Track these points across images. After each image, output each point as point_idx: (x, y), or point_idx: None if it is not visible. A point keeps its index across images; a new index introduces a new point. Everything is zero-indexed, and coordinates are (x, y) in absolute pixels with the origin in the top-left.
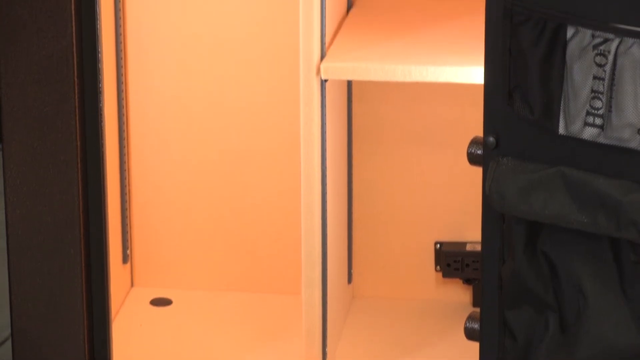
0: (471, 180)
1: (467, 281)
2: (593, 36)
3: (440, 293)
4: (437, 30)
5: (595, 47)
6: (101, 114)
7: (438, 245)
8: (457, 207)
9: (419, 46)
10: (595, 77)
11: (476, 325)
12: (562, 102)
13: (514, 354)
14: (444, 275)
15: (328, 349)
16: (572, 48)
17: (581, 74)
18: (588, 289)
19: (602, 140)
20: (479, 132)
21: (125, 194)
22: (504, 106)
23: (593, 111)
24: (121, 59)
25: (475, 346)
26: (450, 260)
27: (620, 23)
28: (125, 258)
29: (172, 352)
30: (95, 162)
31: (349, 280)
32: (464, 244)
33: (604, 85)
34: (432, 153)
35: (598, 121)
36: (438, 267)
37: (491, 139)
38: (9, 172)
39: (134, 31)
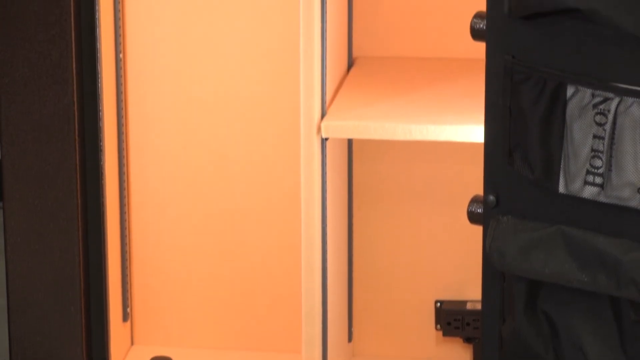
0: (471, 239)
1: (467, 340)
2: (593, 95)
3: (441, 352)
4: (437, 89)
5: (595, 106)
6: (102, 172)
7: (438, 304)
8: (458, 265)
9: (419, 105)
10: (595, 136)
11: None
12: (562, 161)
13: None
14: (445, 334)
15: None
16: (572, 107)
17: (581, 133)
18: (588, 348)
19: (602, 199)
20: (479, 191)
21: (126, 252)
22: (504, 165)
23: (593, 170)
24: (122, 117)
25: None
26: (450, 318)
27: (620, 82)
28: (126, 316)
29: None
30: (95, 220)
31: (349, 338)
32: (464, 302)
33: (604, 144)
34: (433, 211)
35: (598, 180)
36: (438, 326)
37: (491, 197)
38: (10, 229)
39: (135, 90)
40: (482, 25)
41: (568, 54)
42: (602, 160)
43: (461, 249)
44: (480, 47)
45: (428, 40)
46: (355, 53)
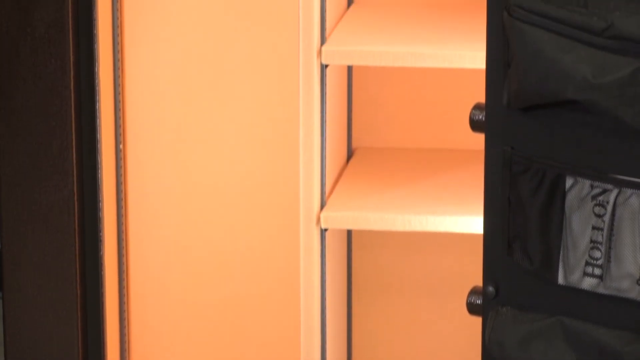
0: (471, 330)
1: None
2: (592, 186)
3: None
4: (436, 180)
5: (594, 197)
6: (102, 263)
7: None
8: (457, 357)
9: (419, 196)
10: (594, 228)
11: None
12: (561, 252)
13: None
14: None
15: None
16: (571, 198)
17: (580, 225)
18: None
19: (601, 290)
20: (479, 282)
21: (125, 342)
22: (503, 256)
23: (592, 261)
24: (122, 207)
25: None
26: None
27: (619, 173)
28: None
29: None
30: (95, 311)
31: None
32: None
33: (602, 235)
34: (432, 302)
35: (597, 271)
36: None
37: (490, 288)
38: (9, 320)
39: (135, 181)
40: (481, 116)
41: (567, 145)
42: (601, 251)
43: (461, 340)
44: (480, 138)
45: (427, 132)
46: (354, 144)
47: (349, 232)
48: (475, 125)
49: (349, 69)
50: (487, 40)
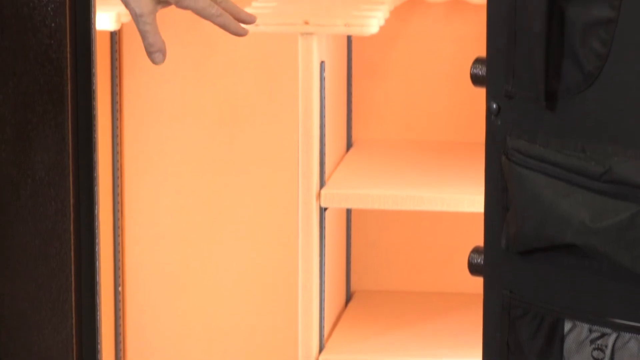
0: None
1: None
2: (590, 330)
3: None
4: (434, 323)
5: (592, 341)
6: None
7: None
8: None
9: (417, 339)
10: None
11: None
12: None
13: None
14: None
15: None
16: (569, 342)
17: None
18: None
19: None
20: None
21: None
22: None
23: None
24: (119, 342)
25: None
26: None
27: (617, 318)
28: None
29: None
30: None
31: None
32: None
33: None
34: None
35: None
36: None
37: None
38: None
39: (134, 317)
40: (479, 260)
41: (566, 289)
42: None
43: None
44: (478, 281)
45: (426, 275)
46: (353, 287)
47: None
48: (473, 268)
49: (348, 211)
50: (486, 184)
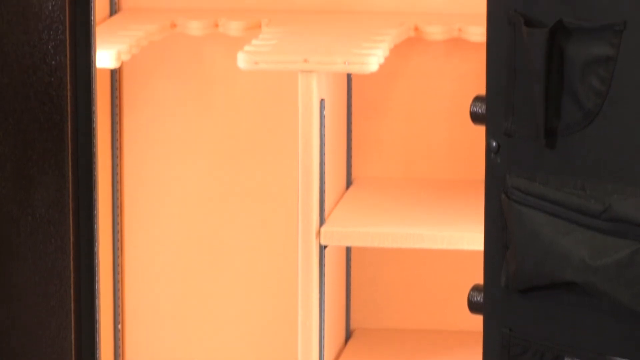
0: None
1: None
2: None
3: None
4: None
5: None
6: None
7: None
8: None
9: None
10: None
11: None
12: None
13: None
14: None
15: None
16: None
17: None
18: None
19: None
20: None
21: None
22: None
23: None
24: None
25: None
26: None
27: (617, 355)
28: None
29: None
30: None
31: None
32: None
33: None
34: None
35: None
36: None
37: None
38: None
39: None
40: (479, 298)
41: (565, 327)
42: None
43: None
44: (478, 319)
45: (426, 313)
46: (353, 325)
47: None
48: (473, 306)
49: (348, 249)
50: (485, 221)
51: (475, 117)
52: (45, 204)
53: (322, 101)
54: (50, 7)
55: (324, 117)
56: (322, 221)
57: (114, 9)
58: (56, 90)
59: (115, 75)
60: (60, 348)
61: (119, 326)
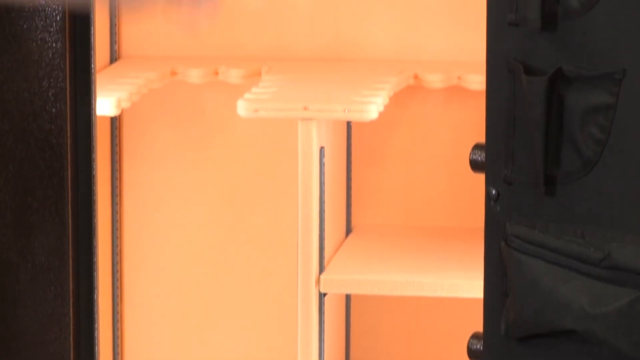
0: None
1: None
2: None
3: None
4: None
5: None
6: None
7: None
8: None
9: None
10: None
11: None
12: None
13: None
14: None
15: None
16: None
17: None
18: None
19: None
20: None
21: None
22: None
23: None
24: None
25: None
26: None
27: None
28: None
29: None
30: None
31: None
32: None
33: None
34: None
35: None
36: None
37: None
38: None
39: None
40: (479, 346)
41: None
42: None
43: None
44: None
45: (425, 354)
46: None
47: None
48: (473, 354)
49: (348, 296)
50: (485, 269)
51: (475, 165)
52: (45, 252)
53: (322, 149)
54: (50, 55)
55: (324, 164)
56: (321, 269)
57: (114, 57)
58: (56, 137)
59: (115, 123)
60: None
61: None
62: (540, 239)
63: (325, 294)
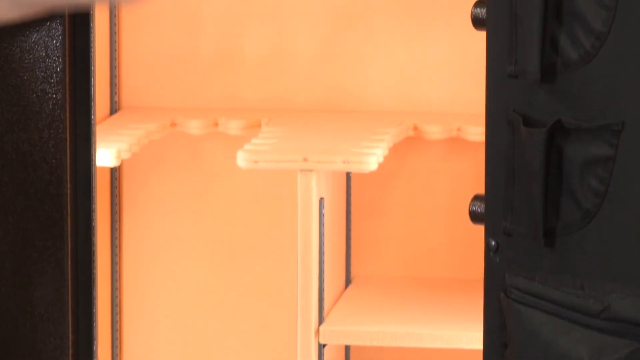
0: None
1: None
2: None
3: None
4: None
5: None
6: None
7: None
8: None
9: None
10: None
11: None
12: None
13: None
14: None
15: None
16: None
17: None
18: None
19: None
20: None
21: None
22: None
23: None
24: None
25: None
26: None
27: None
28: None
29: None
30: None
31: None
32: None
33: None
34: None
35: None
36: None
37: None
38: None
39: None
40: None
41: None
42: None
43: None
44: None
45: None
46: None
47: None
48: (475, 216)
49: (347, 347)
50: (484, 321)
51: (475, 216)
52: (45, 303)
53: (321, 200)
54: (50, 106)
55: (323, 215)
56: (321, 320)
57: (114, 108)
58: (56, 188)
59: (115, 174)
60: None
61: None
62: (540, 290)
63: (324, 345)
